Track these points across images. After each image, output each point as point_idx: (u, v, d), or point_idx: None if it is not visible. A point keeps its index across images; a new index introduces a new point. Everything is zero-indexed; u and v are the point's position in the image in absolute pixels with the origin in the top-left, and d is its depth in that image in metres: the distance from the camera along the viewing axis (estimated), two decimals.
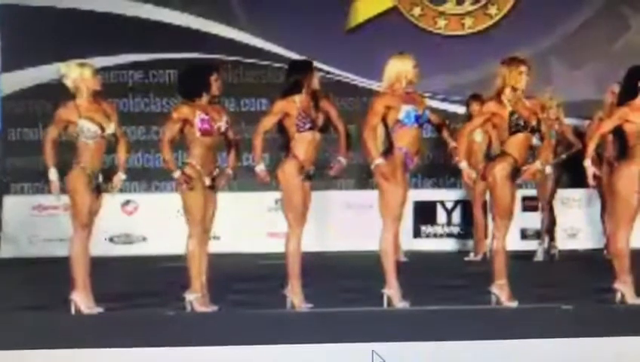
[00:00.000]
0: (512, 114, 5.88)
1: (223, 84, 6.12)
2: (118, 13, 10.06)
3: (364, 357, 5.11)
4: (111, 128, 6.03)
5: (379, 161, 5.86)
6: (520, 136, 5.90)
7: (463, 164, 5.97)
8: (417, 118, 5.93)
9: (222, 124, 6.02)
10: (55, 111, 6.09)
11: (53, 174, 5.96)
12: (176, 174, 5.93)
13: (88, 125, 5.95)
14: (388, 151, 5.94)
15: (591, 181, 5.98)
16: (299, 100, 6.00)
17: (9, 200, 9.91)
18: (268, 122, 6.06)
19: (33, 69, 9.89)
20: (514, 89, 5.89)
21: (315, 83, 6.06)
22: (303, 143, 6.00)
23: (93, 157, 5.98)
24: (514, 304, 5.92)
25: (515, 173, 5.94)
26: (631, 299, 5.90)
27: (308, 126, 5.98)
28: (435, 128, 6.28)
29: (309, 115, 5.99)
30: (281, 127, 6.07)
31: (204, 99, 5.99)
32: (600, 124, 6.52)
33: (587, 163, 5.95)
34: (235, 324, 5.63)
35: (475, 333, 5.29)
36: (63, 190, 5.99)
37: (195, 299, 5.96)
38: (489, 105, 5.96)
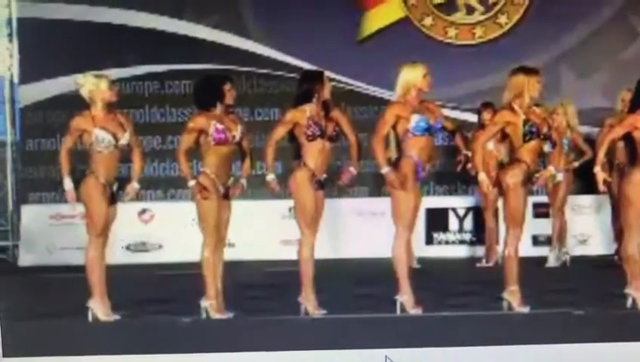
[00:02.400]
0: (525, 122, 5.92)
1: (237, 95, 6.19)
2: (134, 26, 10.12)
3: None
4: (125, 138, 6.06)
5: (386, 169, 5.91)
6: (532, 143, 5.94)
7: (482, 176, 5.98)
8: (428, 128, 5.98)
9: (237, 133, 6.08)
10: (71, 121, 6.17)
11: (68, 183, 6.00)
12: (192, 183, 5.99)
13: (103, 134, 5.99)
14: (399, 159, 6.01)
15: (601, 187, 6.00)
16: (309, 110, 6.05)
17: (27, 210, 9.98)
18: (279, 132, 6.12)
19: (51, 80, 9.94)
20: (530, 98, 5.95)
21: (326, 93, 6.11)
22: (313, 152, 6.05)
23: (107, 167, 6.02)
24: (525, 310, 5.94)
25: (528, 179, 5.99)
26: None
27: (317, 135, 6.03)
28: (449, 135, 6.31)
29: (318, 124, 6.03)
30: (292, 137, 6.14)
31: (219, 108, 6.05)
32: (609, 131, 6.56)
33: (597, 169, 5.97)
34: (249, 331, 5.66)
35: (487, 339, 5.31)
36: (79, 199, 6.04)
37: (211, 305, 6.00)
38: (503, 114, 6.00)
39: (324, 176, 6.13)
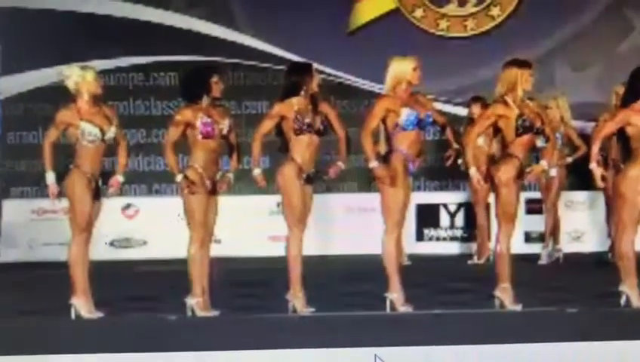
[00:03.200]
0: (518, 116, 5.86)
1: (223, 87, 6.10)
2: (118, 16, 10.07)
3: None
4: (111, 131, 6.02)
5: (374, 163, 5.85)
6: (525, 137, 5.90)
7: (472, 170, 5.94)
8: (418, 122, 5.91)
9: (224, 126, 6.00)
10: (55, 114, 6.07)
11: (50, 177, 5.95)
12: (179, 178, 5.91)
13: (89, 128, 5.94)
14: (388, 154, 5.92)
15: (600, 183, 5.94)
16: (297, 103, 5.99)
17: (8, 204, 9.90)
18: (266, 125, 6.07)
19: (33, 72, 9.89)
20: (523, 91, 5.88)
21: (315, 85, 6.05)
22: (301, 146, 5.99)
23: (92, 161, 5.97)
24: (518, 307, 5.91)
25: (520, 174, 5.92)
26: (636, 302, 5.87)
27: (305, 129, 5.96)
28: (439, 129, 6.26)
29: (306, 118, 5.97)
30: (280, 130, 6.05)
31: (206, 101, 5.97)
32: (603, 126, 6.49)
33: (593, 165, 5.92)
34: (236, 329, 5.61)
35: (479, 337, 5.28)
36: (62, 194, 5.97)
37: (196, 303, 5.95)
38: (496, 107, 5.95)
39: (313, 170, 6.05)
